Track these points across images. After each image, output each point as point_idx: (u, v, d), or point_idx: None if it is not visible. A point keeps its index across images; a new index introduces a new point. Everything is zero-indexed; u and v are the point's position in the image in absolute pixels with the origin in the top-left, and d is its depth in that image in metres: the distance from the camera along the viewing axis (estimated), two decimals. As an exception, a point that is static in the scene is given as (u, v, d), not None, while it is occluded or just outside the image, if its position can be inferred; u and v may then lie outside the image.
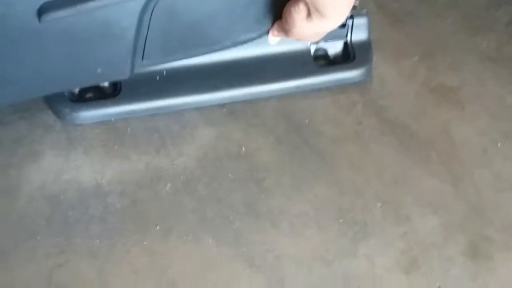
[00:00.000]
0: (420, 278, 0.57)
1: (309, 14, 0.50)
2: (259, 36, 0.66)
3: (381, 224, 0.60)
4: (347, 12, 0.51)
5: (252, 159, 0.64)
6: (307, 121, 0.68)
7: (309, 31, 0.52)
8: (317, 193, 0.62)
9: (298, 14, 0.50)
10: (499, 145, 0.68)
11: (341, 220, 0.60)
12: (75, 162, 0.63)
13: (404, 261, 0.58)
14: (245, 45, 0.64)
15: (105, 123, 0.66)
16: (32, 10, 0.50)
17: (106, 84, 0.68)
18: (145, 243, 0.57)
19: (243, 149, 0.65)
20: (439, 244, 0.59)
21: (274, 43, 0.58)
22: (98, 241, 0.57)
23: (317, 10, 0.49)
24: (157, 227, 0.59)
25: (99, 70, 0.60)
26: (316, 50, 0.73)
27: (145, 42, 0.59)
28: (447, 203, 0.62)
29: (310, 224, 0.60)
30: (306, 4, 0.49)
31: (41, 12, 0.51)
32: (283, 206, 0.61)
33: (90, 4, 0.52)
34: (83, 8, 0.51)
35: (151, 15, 0.56)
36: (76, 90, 0.67)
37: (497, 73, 0.75)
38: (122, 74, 0.61)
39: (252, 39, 0.66)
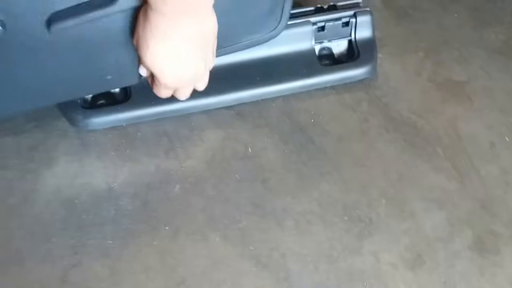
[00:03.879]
0: (426, 274, 0.57)
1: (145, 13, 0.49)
2: (265, 40, 0.66)
3: (386, 221, 0.60)
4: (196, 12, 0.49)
5: (258, 159, 0.65)
6: (312, 120, 0.69)
7: (160, 49, 0.50)
8: (322, 191, 0.63)
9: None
10: (506, 138, 0.67)
11: (346, 218, 0.61)
12: (89, 167, 0.65)
13: (409, 257, 0.58)
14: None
15: (116, 128, 0.68)
16: (41, 21, 0.53)
17: (117, 90, 0.70)
18: (155, 242, 0.59)
19: (250, 149, 0.66)
20: (444, 239, 0.59)
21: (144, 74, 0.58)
22: (110, 241, 0.59)
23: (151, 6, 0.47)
24: (167, 227, 0.60)
25: (108, 77, 0.62)
26: (321, 50, 0.74)
27: (151, 47, 0.60)
28: (453, 199, 0.62)
29: (315, 222, 0.60)
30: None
31: (49, 22, 0.53)
32: (288, 205, 0.62)
33: (95, 13, 0.54)
34: (88, 17, 0.54)
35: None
36: (89, 97, 0.69)
37: (505, 66, 0.74)
38: (131, 79, 0.63)
39: (258, 42, 0.67)
